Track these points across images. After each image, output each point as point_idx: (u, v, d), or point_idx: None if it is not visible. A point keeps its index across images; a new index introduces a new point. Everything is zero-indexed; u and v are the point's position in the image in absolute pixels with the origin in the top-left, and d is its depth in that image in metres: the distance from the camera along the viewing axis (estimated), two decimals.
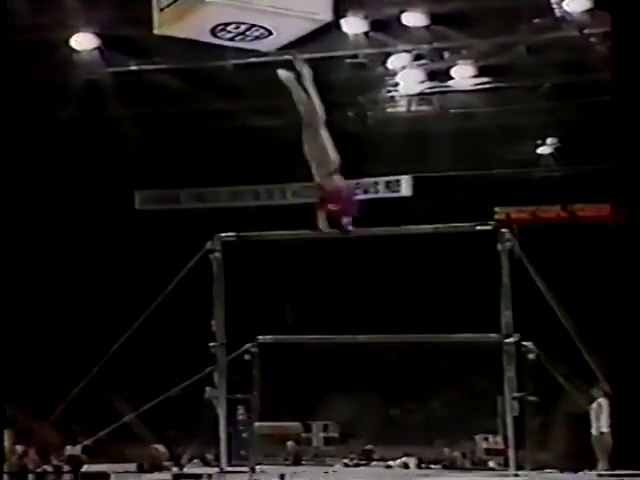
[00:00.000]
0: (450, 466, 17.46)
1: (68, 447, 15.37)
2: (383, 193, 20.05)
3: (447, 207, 17.93)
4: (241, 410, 15.17)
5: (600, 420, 12.85)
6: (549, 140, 19.71)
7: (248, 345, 11.46)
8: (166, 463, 11.64)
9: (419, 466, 17.26)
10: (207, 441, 12.54)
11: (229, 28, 13.76)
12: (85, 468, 15.81)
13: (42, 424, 13.60)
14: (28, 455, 14.07)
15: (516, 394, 10.05)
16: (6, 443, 12.11)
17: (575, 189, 18.95)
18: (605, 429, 12.73)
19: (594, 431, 12.97)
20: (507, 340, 10.21)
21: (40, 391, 16.16)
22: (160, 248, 19.26)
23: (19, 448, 13.65)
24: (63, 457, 15.28)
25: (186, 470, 13.50)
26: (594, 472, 10.07)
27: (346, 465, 17.46)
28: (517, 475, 9.90)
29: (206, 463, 15.40)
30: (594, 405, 12.93)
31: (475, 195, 19.09)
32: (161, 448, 11.69)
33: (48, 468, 13.88)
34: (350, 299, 19.46)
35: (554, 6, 14.63)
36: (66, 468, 15.50)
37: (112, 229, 20.03)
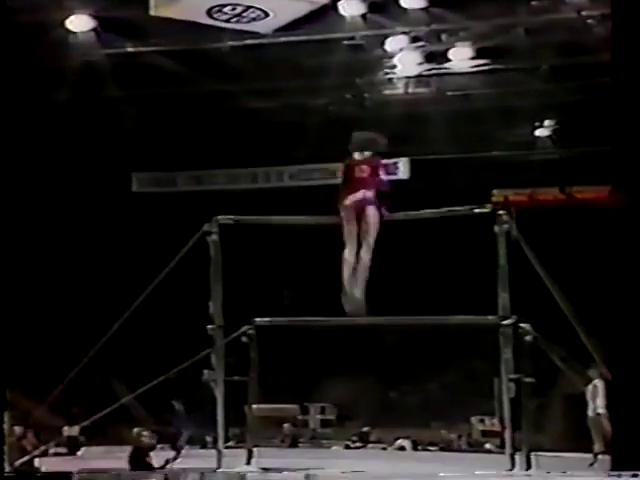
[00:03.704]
0: (447, 448, 17.56)
1: (66, 428, 15.44)
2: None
3: (444, 190, 17.91)
4: (177, 404, 15.63)
5: (596, 401, 12.91)
6: (547, 122, 19.66)
7: (245, 327, 11.49)
8: (152, 450, 11.73)
9: (415, 448, 17.37)
10: (205, 423, 12.58)
11: (225, 9, 13.77)
12: (83, 450, 15.92)
13: (40, 406, 13.61)
14: (26, 437, 14.11)
15: (513, 376, 10.08)
16: (4, 425, 12.12)
17: (573, 171, 18.94)
18: (601, 410, 12.80)
19: (590, 412, 13.03)
20: (504, 322, 10.23)
21: (38, 373, 16.18)
22: (157, 231, 19.25)
23: (17, 430, 13.69)
24: (61, 439, 15.37)
25: (184, 452, 13.60)
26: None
27: (347, 447, 17.59)
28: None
29: (204, 445, 15.53)
30: (590, 387, 12.98)
31: (473, 177, 19.07)
32: (148, 434, 11.78)
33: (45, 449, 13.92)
34: None
35: None
36: (63, 450, 15.59)
37: (109, 212, 20.00)
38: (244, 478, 9.69)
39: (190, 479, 9.50)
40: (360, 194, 9.75)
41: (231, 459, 10.97)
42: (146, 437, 11.64)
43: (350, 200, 9.72)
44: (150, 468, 11.01)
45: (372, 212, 9.70)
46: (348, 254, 9.58)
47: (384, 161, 10.37)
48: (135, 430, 12.05)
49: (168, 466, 12.28)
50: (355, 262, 9.55)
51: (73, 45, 15.96)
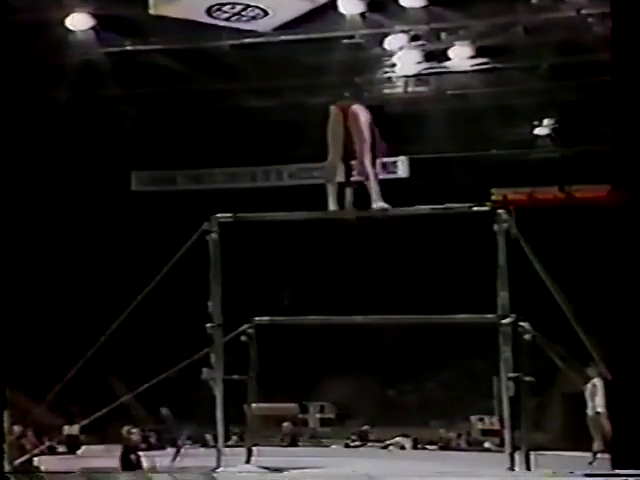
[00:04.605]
0: (446, 447, 17.57)
1: (66, 427, 15.45)
2: (380, 174, 19.99)
3: (444, 188, 17.93)
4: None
5: (595, 400, 12.91)
6: (546, 121, 19.67)
7: (245, 326, 11.49)
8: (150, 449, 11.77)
9: (415, 447, 17.38)
10: (204, 422, 12.58)
11: (225, 8, 13.79)
12: (83, 449, 15.92)
13: (39, 405, 13.62)
14: (26, 436, 14.11)
15: (512, 374, 10.08)
16: (4, 424, 12.14)
17: (572, 170, 18.94)
18: (600, 409, 12.79)
19: (589, 411, 13.03)
20: (503, 321, 10.23)
21: (37, 372, 16.18)
22: (157, 229, 19.25)
23: (17, 429, 13.69)
24: (61, 437, 15.38)
25: (183, 451, 13.60)
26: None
27: (347, 446, 17.61)
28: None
29: (204, 444, 15.54)
30: (589, 385, 12.98)
31: (472, 176, 19.08)
32: (138, 431, 11.81)
33: (45, 448, 13.92)
34: (347, 280, 19.48)
35: None
36: (63, 448, 15.59)
37: (108, 210, 20.00)
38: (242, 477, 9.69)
39: (189, 478, 9.49)
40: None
41: (231, 458, 10.97)
42: (135, 435, 11.66)
43: None
44: (139, 467, 11.02)
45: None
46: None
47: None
48: (125, 428, 12.08)
49: (158, 465, 12.29)
50: None
51: (72, 44, 15.96)
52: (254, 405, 12.18)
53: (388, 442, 17.40)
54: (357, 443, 17.81)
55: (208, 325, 10.77)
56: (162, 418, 16.76)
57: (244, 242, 16.07)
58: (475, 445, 17.66)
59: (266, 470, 10.18)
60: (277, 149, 20.02)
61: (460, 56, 16.86)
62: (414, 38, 16.40)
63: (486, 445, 17.20)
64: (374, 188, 9.85)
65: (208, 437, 15.09)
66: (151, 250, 16.33)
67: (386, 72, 17.93)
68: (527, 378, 10.05)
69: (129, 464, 11.06)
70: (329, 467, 11.71)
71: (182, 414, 16.96)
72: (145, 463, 11.56)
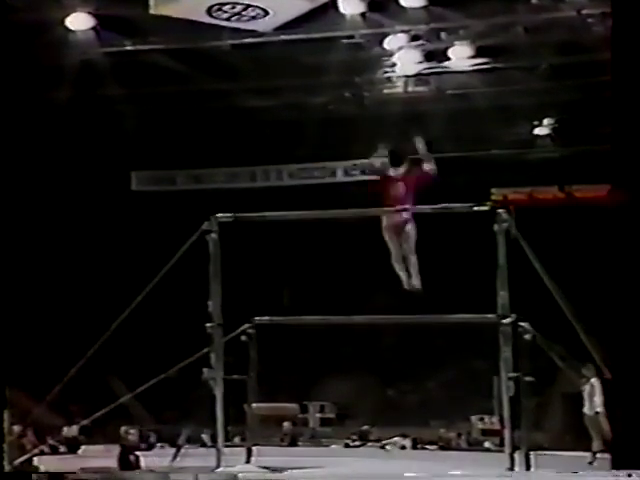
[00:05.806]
0: (446, 447, 17.56)
1: (65, 428, 15.44)
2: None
3: (444, 188, 17.90)
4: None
5: (593, 400, 12.91)
6: (546, 121, 19.66)
7: (245, 326, 11.50)
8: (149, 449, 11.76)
9: (415, 447, 17.37)
10: (204, 422, 12.59)
11: (225, 8, 13.82)
12: (83, 449, 15.92)
13: (39, 405, 13.62)
14: (26, 435, 14.12)
15: (512, 374, 10.09)
16: (4, 424, 12.15)
17: (572, 170, 18.94)
18: (599, 409, 12.80)
19: (588, 411, 13.03)
20: (503, 321, 10.25)
21: (38, 372, 16.18)
22: (157, 229, 19.24)
23: (17, 428, 13.69)
24: (60, 437, 15.37)
25: (183, 451, 13.61)
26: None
27: (347, 446, 17.61)
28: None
29: (203, 443, 15.54)
30: (587, 386, 12.98)
31: (472, 176, 19.07)
32: (134, 432, 11.83)
33: (45, 448, 13.94)
34: (347, 280, 19.47)
35: None
36: (63, 448, 15.59)
37: (108, 210, 20.00)
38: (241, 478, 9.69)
39: (187, 478, 9.51)
40: (397, 216, 10.50)
41: (231, 458, 10.98)
42: (134, 435, 11.69)
43: (389, 222, 10.58)
44: (137, 467, 11.03)
45: (410, 228, 10.71)
46: (395, 259, 10.94)
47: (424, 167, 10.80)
48: (123, 428, 12.10)
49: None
50: (403, 263, 10.92)
51: (72, 43, 15.93)
52: (254, 405, 12.19)
53: (385, 442, 17.40)
54: (357, 443, 17.81)
55: (208, 325, 10.78)
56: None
57: (244, 242, 16.08)
58: (475, 445, 17.65)
59: (266, 470, 10.19)
60: (277, 149, 20.01)
61: (460, 56, 16.84)
62: (414, 38, 16.38)
63: (486, 445, 17.19)
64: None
65: (205, 437, 15.08)
66: (151, 250, 16.33)
67: (386, 72, 17.91)
68: (527, 378, 10.06)
69: (127, 464, 11.06)
70: (329, 467, 11.72)
71: (182, 414, 16.98)
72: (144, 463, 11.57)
